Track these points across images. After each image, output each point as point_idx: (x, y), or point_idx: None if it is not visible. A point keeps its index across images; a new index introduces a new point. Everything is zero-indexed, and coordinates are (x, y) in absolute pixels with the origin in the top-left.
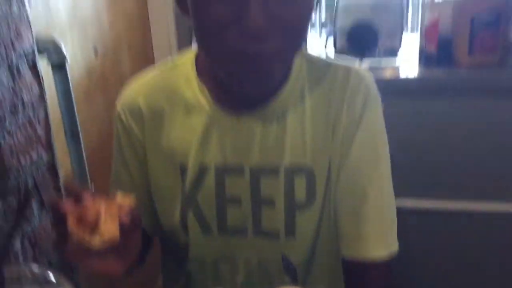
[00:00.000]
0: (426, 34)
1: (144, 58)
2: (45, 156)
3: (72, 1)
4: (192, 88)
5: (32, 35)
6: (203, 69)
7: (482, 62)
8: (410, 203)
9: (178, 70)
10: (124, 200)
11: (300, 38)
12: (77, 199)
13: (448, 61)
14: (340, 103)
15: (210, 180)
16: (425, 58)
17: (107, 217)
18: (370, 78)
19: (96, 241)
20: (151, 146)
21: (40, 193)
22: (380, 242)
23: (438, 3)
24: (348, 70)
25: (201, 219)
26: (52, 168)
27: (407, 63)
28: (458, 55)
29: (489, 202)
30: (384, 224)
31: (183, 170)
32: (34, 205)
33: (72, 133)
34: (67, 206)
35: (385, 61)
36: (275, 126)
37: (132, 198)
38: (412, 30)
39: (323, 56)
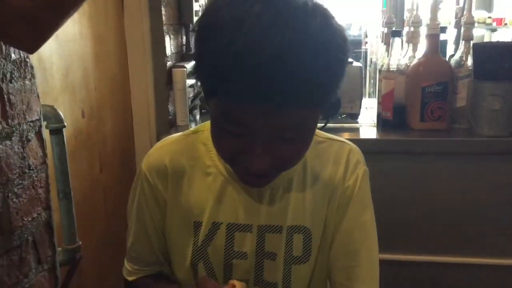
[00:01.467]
0: (383, 102)
1: (124, 117)
2: (43, 215)
3: (65, 69)
4: (211, 155)
5: (39, 106)
6: None
7: (433, 128)
8: None
9: (198, 137)
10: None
11: (295, 164)
12: None
13: (402, 126)
14: (336, 176)
15: (221, 235)
16: (382, 122)
17: None
18: (360, 154)
19: None
20: (171, 201)
21: (38, 250)
22: None
23: (393, 72)
24: (343, 146)
25: (209, 270)
26: (48, 225)
27: (366, 126)
28: (411, 122)
29: (437, 255)
30: (374, 281)
31: (196, 225)
32: (32, 262)
33: (65, 193)
34: None
35: (347, 124)
36: (281, 192)
37: (245, 285)
38: (371, 96)
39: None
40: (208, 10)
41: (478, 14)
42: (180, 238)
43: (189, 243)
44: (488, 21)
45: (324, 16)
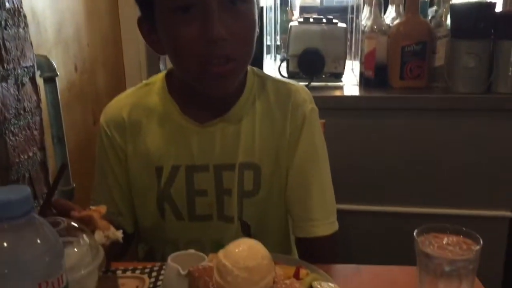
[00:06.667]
0: (365, 61)
1: (116, 73)
2: (39, 155)
3: (57, 23)
4: (164, 103)
5: (33, 53)
6: (172, 86)
7: (412, 86)
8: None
9: (151, 88)
10: (99, 209)
11: (250, 48)
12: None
13: (383, 84)
14: (284, 115)
15: (181, 177)
16: (364, 81)
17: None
18: (307, 93)
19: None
20: (131, 152)
21: (34, 186)
22: (325, 224)
23: (375, 32)
24: (289, 87)
25: (174, 209)
26: (44, 165)
27: (349, 85)
28: (391, 80)
29: (410, 206)
30: (327, 210)
31: (158, 170)
32: None
33: (59, 138)
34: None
35: (331, 83)
36: (231, 131)
37: (104, 208)
38: (355, 58)
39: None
40: None
41: None
42: (144, 184)
43: (153, 187)
44: None
45: None
